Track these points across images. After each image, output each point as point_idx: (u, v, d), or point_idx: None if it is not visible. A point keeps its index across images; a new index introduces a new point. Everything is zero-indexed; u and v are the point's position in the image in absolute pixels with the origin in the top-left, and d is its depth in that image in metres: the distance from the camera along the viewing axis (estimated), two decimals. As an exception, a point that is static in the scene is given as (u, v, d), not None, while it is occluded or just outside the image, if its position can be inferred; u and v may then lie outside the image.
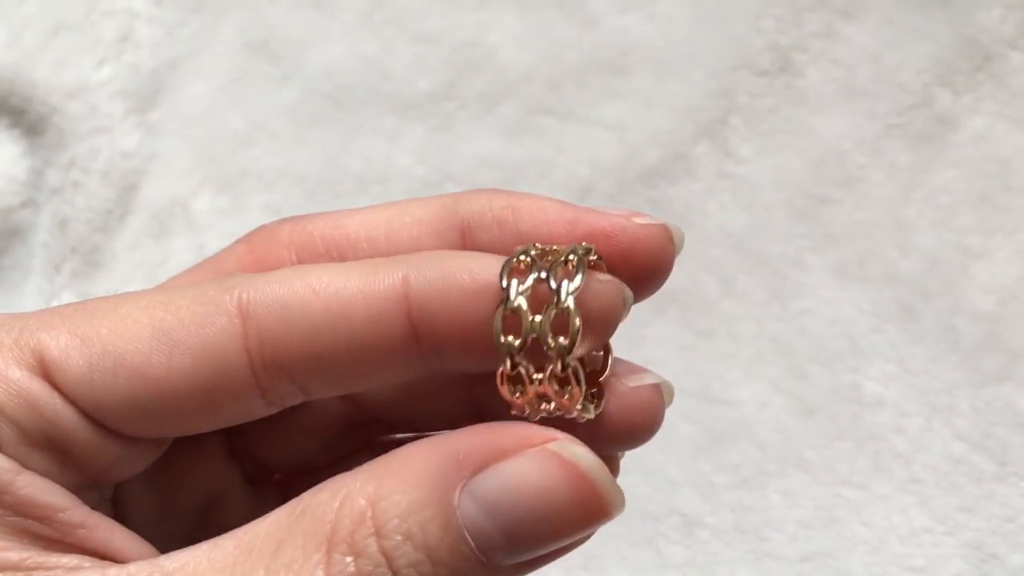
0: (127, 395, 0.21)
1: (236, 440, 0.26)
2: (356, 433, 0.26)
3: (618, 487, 0.21)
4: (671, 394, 0.24)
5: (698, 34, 0.48)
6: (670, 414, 0.24)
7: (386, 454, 0.20)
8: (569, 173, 0.46)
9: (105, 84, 0.47)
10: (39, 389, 0.21)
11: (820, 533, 0.41)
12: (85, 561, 0.20)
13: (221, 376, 0.21)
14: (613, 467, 0.24)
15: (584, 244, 0.22)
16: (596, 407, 0.22)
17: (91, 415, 0.21)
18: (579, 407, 0.21)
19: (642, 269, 0.22)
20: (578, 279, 0.21)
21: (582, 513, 0.20)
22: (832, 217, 0.45)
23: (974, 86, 0.46)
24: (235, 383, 0.21)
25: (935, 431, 0.42)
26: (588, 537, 0.21)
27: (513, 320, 0.21)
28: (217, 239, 0.45)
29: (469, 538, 0.19)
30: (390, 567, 0.19)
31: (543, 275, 0.21)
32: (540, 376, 0.21)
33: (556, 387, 0.21)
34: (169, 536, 0.23)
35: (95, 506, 0.22)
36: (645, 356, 0.36)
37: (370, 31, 0.48)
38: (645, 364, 0.24)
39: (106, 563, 0.21)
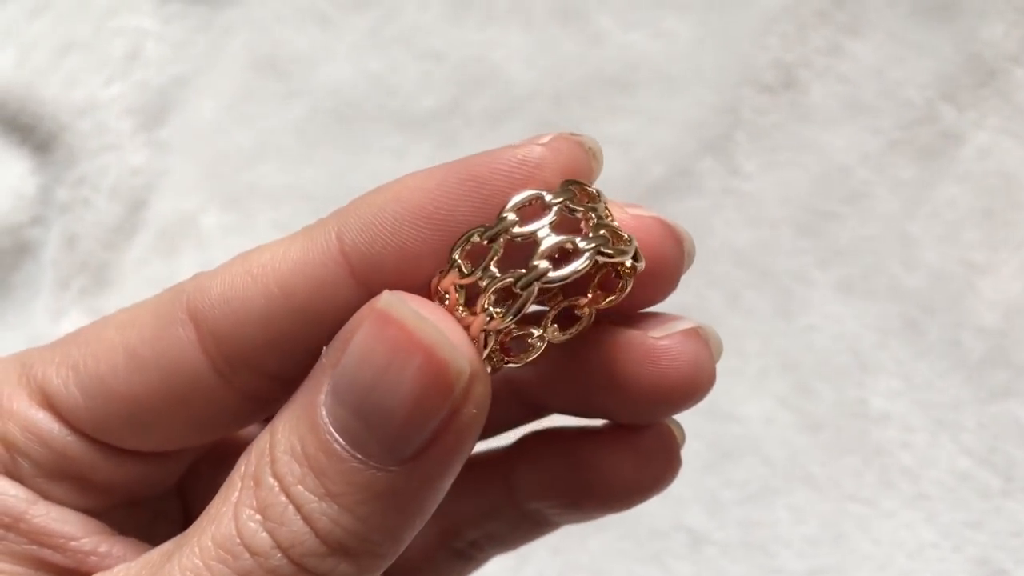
0: (119, 417, 0.21)
1: None
2: None
3: (457, 346, 0.18)
4: (718, 341, 0.21)
5: (703, 51, 0.48)
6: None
7: None
8: (575, 189, 0.46)
9: (114, 101, 0.47)
10: (47, 423, 0.21)
11: (827, 549, 0.41)
12: None
13: (189, 386, 0.20)
14: (669, 434, 0.22)
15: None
16: (498, 361, 0.19)
17: (98, 439, 0.21)
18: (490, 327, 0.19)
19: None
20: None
21: (423, 378, 0.18)
22: (837, 232, 0.45)
23: (978, 101, 0.47)
24: (205, 390, 0.20)
25: (941, 446, 0.42)
26: (474, 418, 0.18)
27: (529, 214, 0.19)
28: (225, 255, 0.45)
29: (336, 435, 0.18)
30: (282, 489, 0.18)
31: (586, 214, 0.19)
32: (502, 278, 0.18)
33: (494, 300, 0.19)
34: None
35: (148, 523, 0.22)
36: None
37: (376, 48, 0.49)
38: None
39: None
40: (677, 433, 0.23)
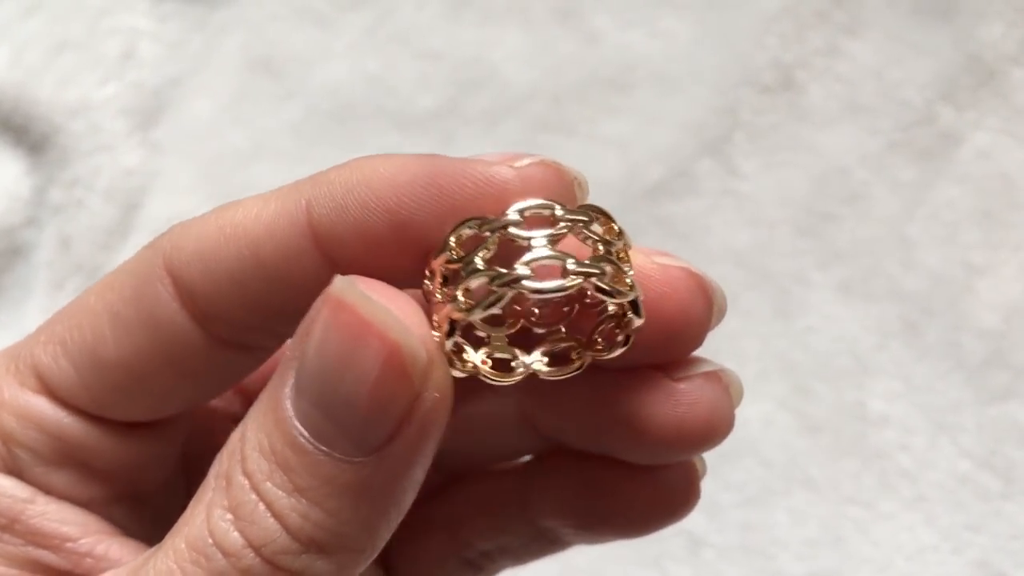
0: (113, 385, 0.21)
1: None
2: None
3: (409, 328, 0.17)
4: (739, 386, 0.20)
5: (701, 51, 0.48)
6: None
7: None
8: (572, 190, 0.46)
9: (108, 102, 0.47)
10: (43, 407, 0.21)
11: (826, 551, 0.41)
12: None
13: (174, 341, 0.20)
14: (690, 465, 0.22)
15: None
16: (462, 361, 0.18)
17: (95, 415, 0.21)
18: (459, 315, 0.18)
19: None
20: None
21: (379, 362, 0.17)
22: (836, 234, 0.45)
23: (977, 102, 0.46)
24: (190, 345, 0.20)
25: (941, 449, 0.42)
26: (437, 403, 0.18)
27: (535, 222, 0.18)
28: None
29: (301, 428, 0.18)
30: (252, 486, 0.18)
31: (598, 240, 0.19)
32: (489, 270, 0.18)
33: (465, 292, 0.18)
34: None
35: (152, 522, 0.22)
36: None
37: (373, 48, 0.48)
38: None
39: None
40: (699, 465, 0.22)
